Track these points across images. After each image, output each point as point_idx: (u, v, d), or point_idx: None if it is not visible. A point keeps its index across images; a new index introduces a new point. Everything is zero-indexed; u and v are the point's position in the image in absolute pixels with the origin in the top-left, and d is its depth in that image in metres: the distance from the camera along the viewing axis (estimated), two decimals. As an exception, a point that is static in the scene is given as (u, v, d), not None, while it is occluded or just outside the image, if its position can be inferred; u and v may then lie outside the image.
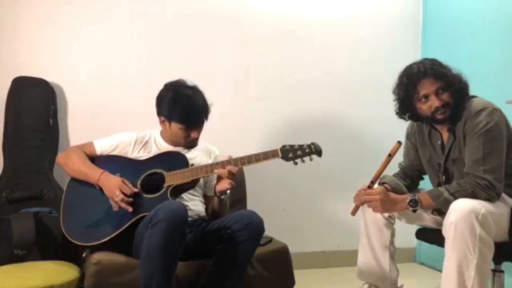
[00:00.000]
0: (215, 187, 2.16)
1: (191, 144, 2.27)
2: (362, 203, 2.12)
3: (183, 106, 2.19)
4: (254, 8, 3.10)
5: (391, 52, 3.29)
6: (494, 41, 2.77)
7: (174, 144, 2.29)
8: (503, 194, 1.96)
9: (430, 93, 2.01)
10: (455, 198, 1.90)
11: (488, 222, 1.79)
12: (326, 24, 3.22)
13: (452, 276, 1.81)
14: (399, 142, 2.11)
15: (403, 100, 2.09)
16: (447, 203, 1.90)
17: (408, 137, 2.33)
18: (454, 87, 2.00)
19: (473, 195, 1.89)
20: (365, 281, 2.25)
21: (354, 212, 2.15)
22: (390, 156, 2.11)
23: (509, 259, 2.03)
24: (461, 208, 1.81)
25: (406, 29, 3.38)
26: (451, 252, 1.82)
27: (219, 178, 2.09)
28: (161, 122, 2.27)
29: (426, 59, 2.09)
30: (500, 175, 1.92)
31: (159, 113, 2.26)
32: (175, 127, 2.21)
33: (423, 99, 2.03)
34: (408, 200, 2.01)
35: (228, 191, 2.13)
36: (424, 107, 2.04)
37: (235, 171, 2.06)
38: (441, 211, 2.04)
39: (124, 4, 2.88)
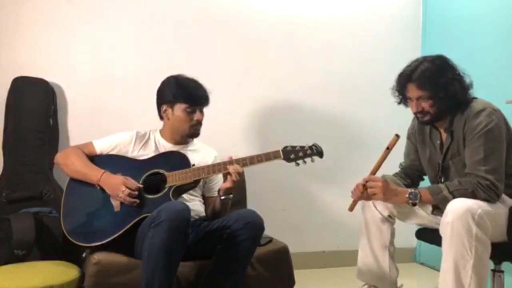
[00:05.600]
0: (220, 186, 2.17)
1: (196, 129, 2.27)
2: (360, 198, 2.13)
3: (187, 86, 2.26)
4: (254, 8, 3.10)
5: (391, 52, 3.29)
6: (494, 41, 2.77)
7: (175, 140, 2.30)
8: (502, 195, 1.96)
9: (413, 98, 2.07)
10: (453, 197, 1.91)
11: (485, 222, 1.80)
12: (326, 24, 3.23)
13: (449, 275, 1.82)
14: (397, 135, 2.13)
15: (399, 93, 2.15)
16: (445, 201, 1.91)
17: (409, 137, 2.34)
18: (438, 99, 2.01)
19: (472, 195, 1.89)
20: (365, 281, 2.25)
21: (351, 208, 2.15)
22: (388, 149, 2.12)
23: (509, 259, 2.04)
24: (458, 208, 1.81)
25: (406, 29, 3.38)
26: (448, 252, 1.83)
27: (226, 178, 2.10)
28: (163, 113, 2.28)
29: (426, 59, 2.07)
30: (501, 176, 1.92)
31: (161, 104, 2.29)
32: (179, 110, 2.23)
33: (408, 100, 2.11)
34: (408, 193, 2.02)
35: (231, 195, 2.16)
36: (410, 106, 2.12)
37: (240, 170, 2.07)
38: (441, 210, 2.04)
39: (124, 4, 2.88)
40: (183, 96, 2.23)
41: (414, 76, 2.03)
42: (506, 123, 2.01)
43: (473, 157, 1.94)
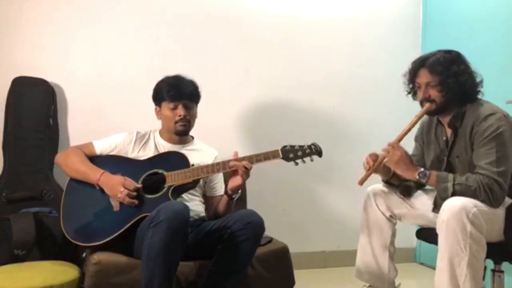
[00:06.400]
0: (226, 185, 2.17)
1: (182, 126, 2.24)
2: (374, 168, 2.07)
3: (168, 83, 2.27)
4: (254, 8, 3.10)
5: (391, 53, 3.29)
6: (494, 41, 2.77)
7: (172, 139, 2.31)
8: None
9: (421, 84, 2.08)
10: (454, 191, 1.90)
11: (479, 220, 1.80)
12: (326, 24, 3.23)
13: (445, 273, 1.83)
14: (431, 102, 2.06)
15: (409, 81, 2.15)
16: (445, 191, 1.92)
17: (416, 139, 2.34)
18: (446, 86, 2.01)
19: (473, 193, 1.87)
20: (363, 281, 2.26)
21: (362, 181, 2.08)
22: (417, 116, 2.09)
23: (507, 259, 2.03)
24: (453, 206, 1.82)
25: (406, 29, 3.38)
26: (443, 250, 1.84)
27: (233, 175, 2.10)
28: (157, 114, 2.33)
29: (441, 50, 2.09)
30: (508, 180, 1.91)
31: (155, 105, 2.33)
32: (165, 108, 2.26)
33: (417, 88, 2.11)
34: (419, 171, 2.01)
35: (240, 191, 2.16)
36: (418, 94, 2.12)
37: (250, 167, 2.06)
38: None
39: (124, 5, 2.88)
40: (165, 93, 2.25)
41: (427, 62, 2.05)
42: None
43: (485, 159, 1.91)
